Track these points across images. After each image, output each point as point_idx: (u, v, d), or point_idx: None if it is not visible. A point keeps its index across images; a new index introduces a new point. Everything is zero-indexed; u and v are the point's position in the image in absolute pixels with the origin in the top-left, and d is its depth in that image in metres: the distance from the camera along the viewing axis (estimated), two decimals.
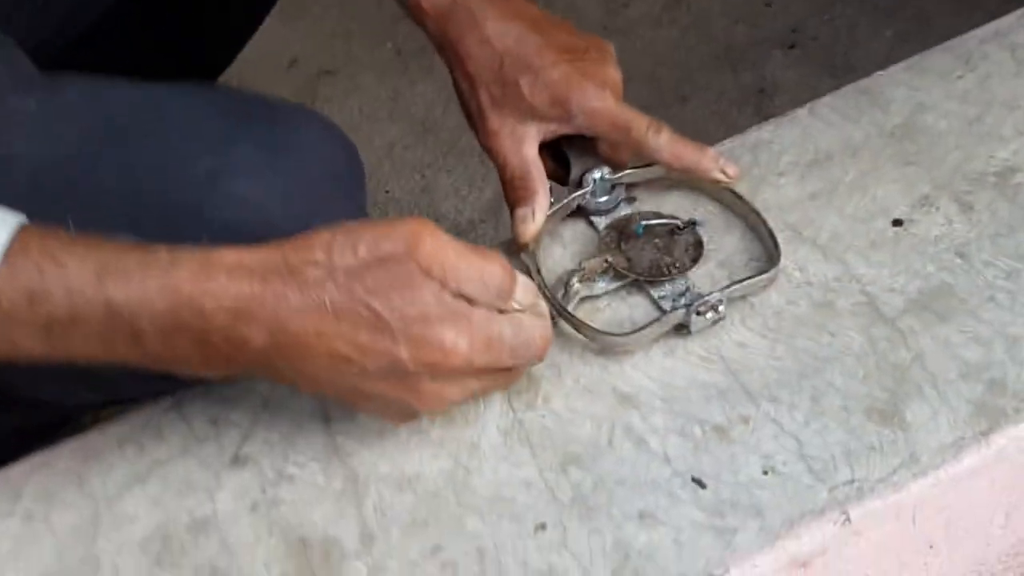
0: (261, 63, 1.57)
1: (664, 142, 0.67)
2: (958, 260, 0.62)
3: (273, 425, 0.62)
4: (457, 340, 0.51)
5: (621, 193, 0.70)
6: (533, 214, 0.67)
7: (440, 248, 0.52)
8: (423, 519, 0.56)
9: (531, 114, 0.68)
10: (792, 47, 1.43)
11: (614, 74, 0.69)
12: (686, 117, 1.35)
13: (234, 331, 0.51)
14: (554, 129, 0.69)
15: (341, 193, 0.62)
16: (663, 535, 0.53)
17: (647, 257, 0.65)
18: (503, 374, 0.55)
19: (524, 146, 0.68)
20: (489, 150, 0.70)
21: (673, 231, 0.67)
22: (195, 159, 0.57)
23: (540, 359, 0.56)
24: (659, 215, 0.68)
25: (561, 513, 0.55)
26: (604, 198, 0.69)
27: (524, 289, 0.55)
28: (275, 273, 0.51)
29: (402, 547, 0.55)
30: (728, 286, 0.62)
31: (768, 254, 0.64)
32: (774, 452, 0.55)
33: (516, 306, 0.54)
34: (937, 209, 0.65)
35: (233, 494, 0.59)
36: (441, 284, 0.51)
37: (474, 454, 0.59)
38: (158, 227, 0.53)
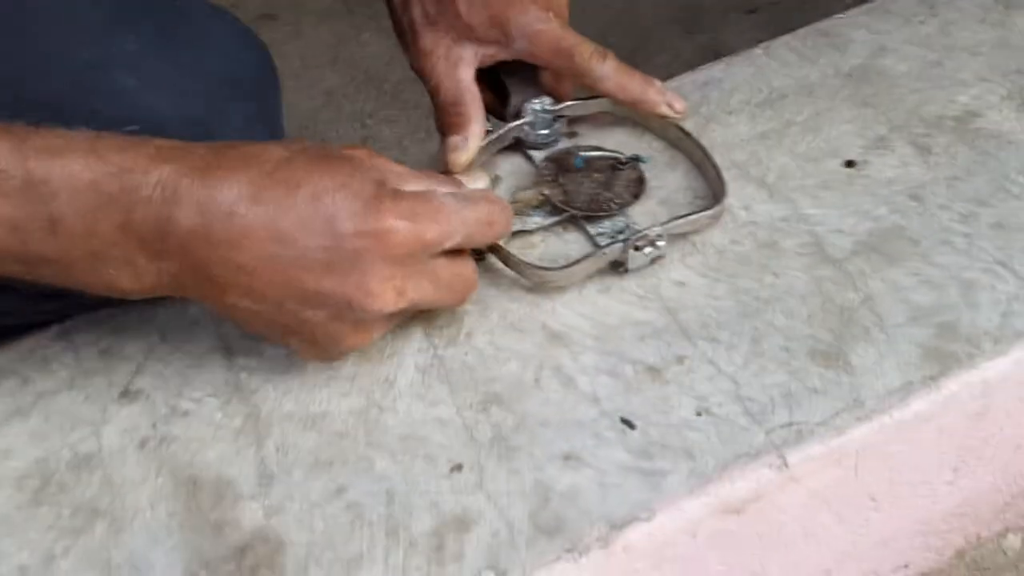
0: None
1: (609, 70, 0.63)
2: (912, 203, 0.58)
3: (170, 358, 0.57)
4: (398, 222, 0.48)
5: (562, 126, 0.65)
6: (466, 141, 0.62)
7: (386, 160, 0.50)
8: (328, 459, 0.51)
9: (468, 34, 0.63)
10: (752, 12, 1.40)
11: None
12: None
13: (162, 208, 0.46)
14: (492, 53, 0.64)
15: (247, 99, 0.56)
16: (587, 477, 0.48)
17: (585, 191, 0.61)
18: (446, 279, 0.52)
19: (459, 69, 0.63)
20: (421, 72, 0.65)
21: (614, 166, 0.62)
22: (75, 49, 0.51)
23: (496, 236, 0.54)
24: (601, 149, 0.64)
25: (479, 454, 0.50)
26: (544, 131, 0.65)
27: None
28: (213, 153, 0.47)
29: (303, 488, 0.50)
30: (669, 221, 0.58)
31: (713, 192, 0.60)
32: (709, 393, 0.51)
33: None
34: (892, 151, 0.62)
35: (120, 429, 0.54)
36: (384, 179, 0.49)
37: (388, 392, 0.54)
38: (39, 120, 0.47)
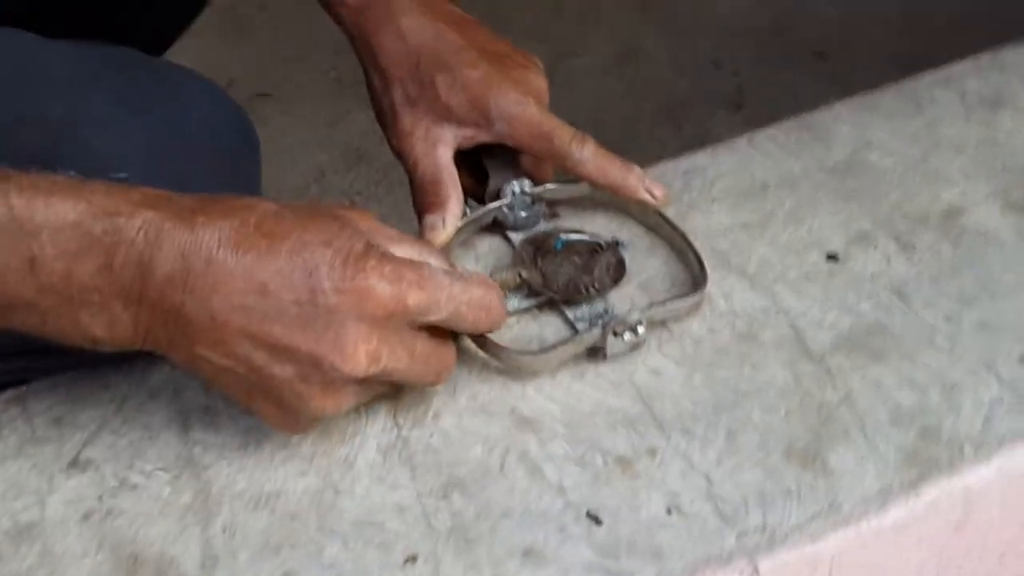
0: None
1: (589, 155, 0.62)
2: (896, 299, 0.57)
3: (123, 429, 0.55)
4: (380, 282, 0.47)
5: (542, 209, 0.64)
6: (443, 222, 0.61)
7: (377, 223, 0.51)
8: (277, 543, 0.49)
9: (447, 116, 0.62)
10: (739, 107, 1.41)
11: (539, 81, 0.64)
12: None
13: (144, 251, 0.46)
14: (471, 135, 0.63)
15: (222, 163, 0.56)
16: (548, 575, 0.46)
17: (564, 274, 0.60)
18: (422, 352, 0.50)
19: (438, 149, 0.63)
20: (400, 152, 0.64)
21: (594, 249, 0.61)
22: (48, 105, 0.50)
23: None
24: (581, 232, 0.62)
25: (436, 544, 0.48)
26: (523, 213, 0.64)
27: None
28: (199, 202, 0.47)
29: (248, 573, 0.48)
30: (649, 306, 0.56)
31: (693, 279, 0.59)
32: (681, 490, 0.49)
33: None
34: (875, 247, 0.61)
35: (65, 500, 0.52)
36: (373, 241, 0.49)
37: (347, 473, 0.52)
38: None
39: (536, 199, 0.64)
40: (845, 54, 1.51)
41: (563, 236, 0.62)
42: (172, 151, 0.53)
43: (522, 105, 0.62)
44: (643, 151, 1.36)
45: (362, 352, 0.47)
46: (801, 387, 0.53)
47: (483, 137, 0.63)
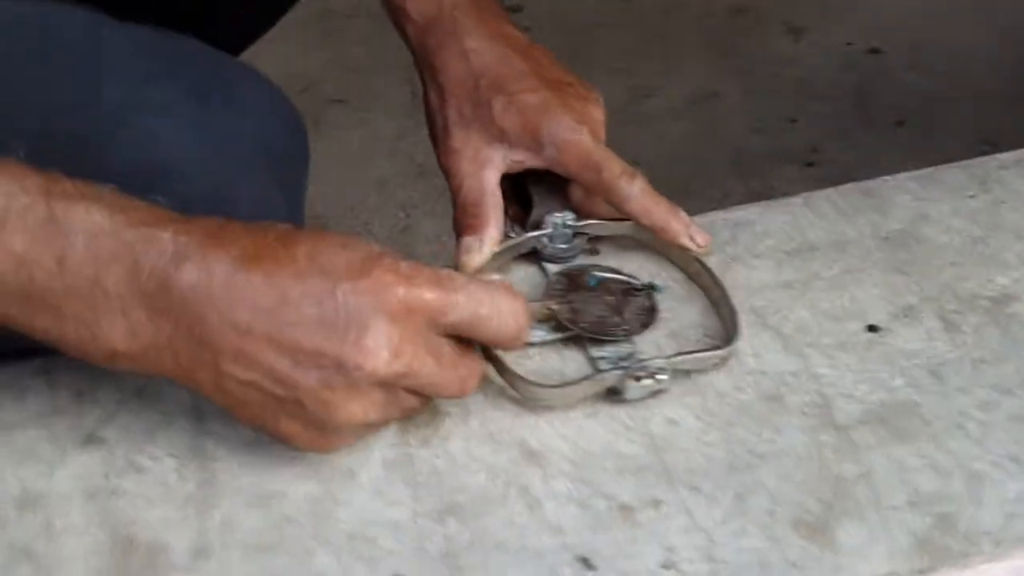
0: (277, 82, 1.56)
1: (636, 192, 0.61)
2: (931, 379, 0.55)
3: (141, 412, 0.56)
4: (397, 277, 0.48)
5: (582, 244, 0.64)
6: (481, 243, 0.61)
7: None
8: (269, 544, 0.49)
9: (499, 138, 0.62)
10: (810, 165, 1.39)
11: (596, 113, 0.64)
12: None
13: (171, 261, 0.46)
14: (521, 160, 0.63)
15: (270, 163, 0.56)
16: None
17: (594, 312, 0.59)
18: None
19: (485, 170, 0.63)
20: (447, 170, 0.64)
21: (628, 291, 0.60)
22: (107, 89, 0.51)
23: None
24: (618, 272, 0.62)
25: (423, 566, 0.47)
26: (562, 245, 0.63)
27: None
28: (220, 222, 0.48)
29: (237, 570, 0.48)
30: (674, 355, 0.55)
31: (725, 333, 0.58)
32: (680, 546, 0.47)
33: None
34: (920, 322, 0.59)
35: (74, 475, 0.52)
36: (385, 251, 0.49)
37: (348, 484, 0.51)
38: (59, 158, 0.47)
39: (578, 233, 0.64)
40: (925, 125, 1.48)
41: (599, 273, 0.61)
42: (220, 147, 0.54)
43: (575, 132, 0.62)
44: (706, 199, 1.35)
45: (384, 348, 0.47)
46: (820, 457, 0.51)
47: (533, 162, 0.63)
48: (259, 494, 0.51)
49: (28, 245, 0.46)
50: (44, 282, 0.47)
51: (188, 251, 0.47)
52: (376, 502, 0.50)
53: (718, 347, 0.57)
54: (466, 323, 0.50)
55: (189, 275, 0.47)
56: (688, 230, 0.61)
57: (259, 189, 0.54)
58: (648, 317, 0.59)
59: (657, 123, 1.47)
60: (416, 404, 0.51)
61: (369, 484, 0.51)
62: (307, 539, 0.49)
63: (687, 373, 0.56)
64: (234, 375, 0.48)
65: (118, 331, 0.48)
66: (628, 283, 0.61)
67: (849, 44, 1.66)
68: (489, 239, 0.61)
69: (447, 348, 0.50)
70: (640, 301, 0.60)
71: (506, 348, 0.53)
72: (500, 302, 0.50)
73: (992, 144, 1.42)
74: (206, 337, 0.47)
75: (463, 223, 0.62)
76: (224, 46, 0.68)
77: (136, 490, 0.52)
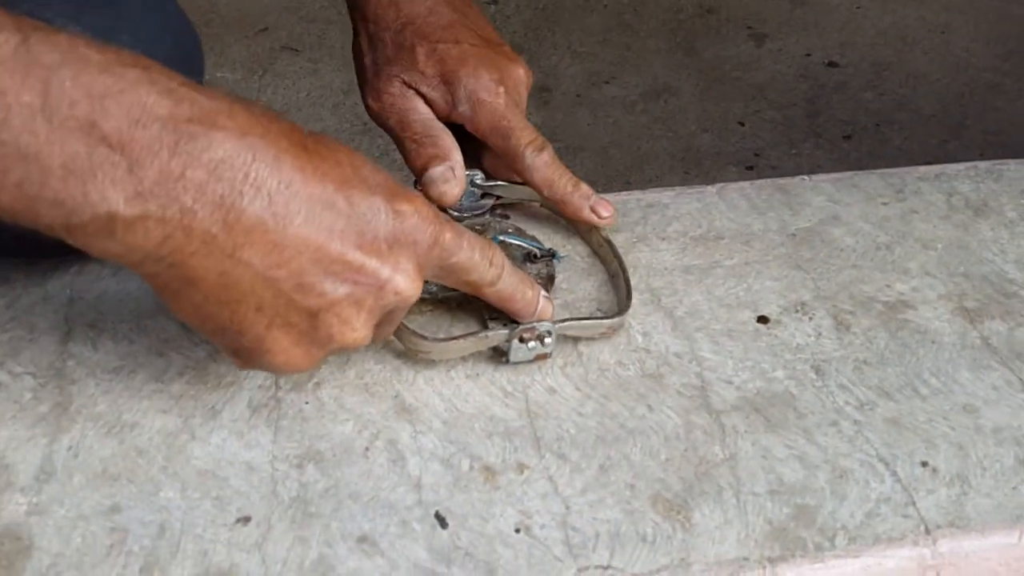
0: (233, 22, 1.53)
1: (540, 163, 0.60)
2: (812, 374, 0.55)
3: (8, 326, 0.54)
4: (427, 211, 0.46)
5: (490, 203, 0.63)
6: (453, 171, 0.59)
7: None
8: (115, 473, 0.47)
9: (419, 83, 0.61)
10: (750, 168, 1.39)
11: (518, 74, 0.62)
12: None
13: (196, 119, 0.39)
14: (437, 111, 0.62)
15: None
16: (374, 567, 0.44)
17: None
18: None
19: (419, 106, 0.61)
20: (379, 112, 0.62)
21: (529, 256, 0.59)
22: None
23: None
24: (522, 235, 0.61)
25: (273, 511, 0.46)
26: (468, 202, 0.62)
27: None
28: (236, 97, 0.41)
29: (77, 496, 0.46)
30: (562, 320, 0.54)
31: (619, 307, 0.57)
32: (536, 511, 0.47)
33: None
34: (810, 319, 0.59)
35: None
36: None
37: (208, 421, 0.50)
38: None
39: (486, 193, 0.63)
40: (871, 141, 1.49)
41: (501, 237, 0.60)
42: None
43: (490, 93, 0.61)
44: (642, 187, 1.35)
45: (417, 277, 0.45)
46: (689, 438, 0.51)
47: (446, 115, 0.62)
48: (113, 423, 0.49)
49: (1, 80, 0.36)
50: (22, 122, 0.37)
51: (217, 117, 0.39)
52: (234, 442, 0.49)
53: (605, 317, 0.56)
54: (462, 266, 0.48)
55: (224, 143, 0.39)
56: (589, 202, 0.60)
57: None
58: (545, 284, 0.58)
59: (610, 109, 1.47)
60: (390, 334, 0.50)
61: (230, 423, 0.50)
62: (155, 471, 0.47)
63: (574, 342, 0.55)
64: (252, 266, 0.41)
65: (120, 190, 0.38)
66: (528, 248, 0.60)
67: (808, 55, 1.67)
68: (459, 165, 0.59)
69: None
70: (539, 268, 0.59)
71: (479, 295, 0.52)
72: (490, 254, 0.50)
73: (937, 161, 1.42)
74: (237, 219, 0.40)
75: (424, 154, 0.59)
76: None
77: None
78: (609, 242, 0.61)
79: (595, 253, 0.62)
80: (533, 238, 0.61)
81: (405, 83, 0.61)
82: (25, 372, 0.52)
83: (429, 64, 0.61)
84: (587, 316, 0.56)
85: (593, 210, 0.60)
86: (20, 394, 0.50)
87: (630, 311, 0.56)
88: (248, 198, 0.40)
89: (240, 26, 1.53)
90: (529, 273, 0.58)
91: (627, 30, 1.69)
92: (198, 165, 0.39)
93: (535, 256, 0.59)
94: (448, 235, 0.47)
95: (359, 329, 0.45)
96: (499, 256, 0.50)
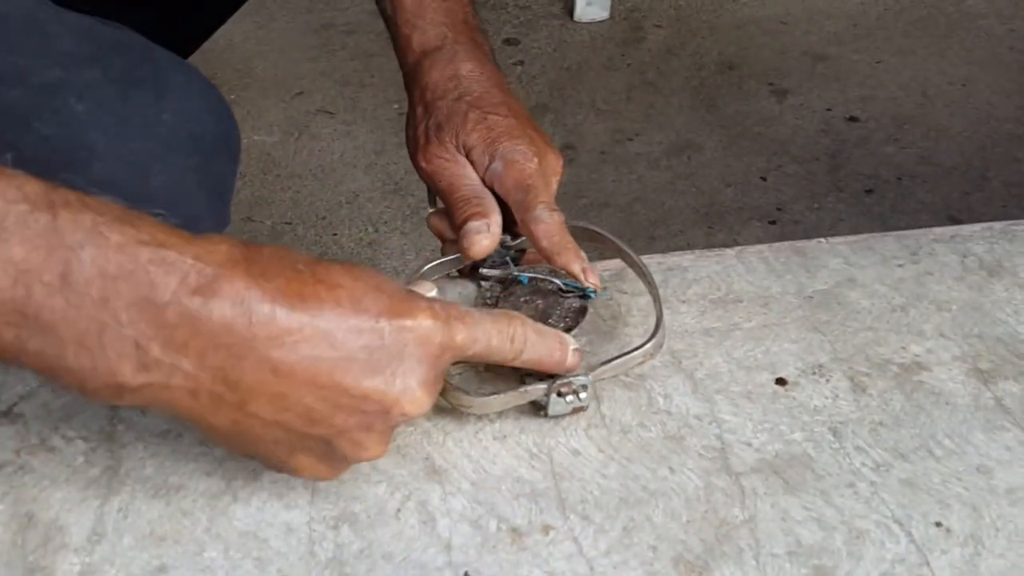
0: (270, 87, 1.58)
1: (547, 218, 0.61)
2: (830, 436, 0.57)
3: (62, 392, 0.57)
4: (433, 323, 0.47)
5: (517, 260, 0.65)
6: (489, 227, 0.62)
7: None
8: (163, 534, 0.50)
9: (466, 150, 0.65)
10: (772, 223, 1.41)
11: (554, 162, 0.66)
12: None
13: (196, 292, 0.42)
14: (476, 172, 0.65)
15: (192, 153, 0.57)
16: None
17: (524, 313, 0.60)
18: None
19: (469, 172, 0.65)
20: (431, 173, 0.66)
21: (558, 293, 0.62)
22: (39, 68, 0.52)
23: None
24: (550, 275, 0.63)
25: (310, 571, 0.48)
26: (496, 260, 0.65)
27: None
28: (243, 247, 0.44)
29: (127, 556, 0.49)
30: (599, 365, 0.56)
31: (652, 332, 0.58)
32: (562, 572, 0.49)
33: None
34: (827, 381, 0.60)
35: None
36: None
37: (249, 483, 0.53)
38: None
39: (516, 252, 0.65)
40: (893, 196, 1.51)
41: (530, 274, 0.62)
42: (140, 133, 0.55)
43: (525, 157, 0.64)
44: (668, 245, 1.37)
45: (426, 396, 0.47)
46: (710, 499, 0.52)
47: (481, 176, 0.65)
48: (161, 485, 0.52)
49: (28, 255, 0.40)
50: (43, 298, 0.41)
51: (219, 283, 0.42)
52: (274, 504, 0.52)
53: (636, 348, 0.57)
54: (481, 355, 0.51)
55: (222, 311, 0.42)
56: (582, 263, 0.61)
57: (175, 176, 0.54)
58: (576, 319, 0.60)
59: (634, 166, 1.50)
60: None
61: (269, 485, 0.52)
62: (200, 532, 0.50)
63: (597, 403, 0.57)
64: (261, 416, 0.45)
65: (127, 363, 0.42)
66: (557, 285, 0.62)
67: (829, 110, 1.70)
68: (495, 223, 0.62)
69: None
70: (570, 302, 0.61)
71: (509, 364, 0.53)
72: (510, 332, 0.52)
73: (956, 220, 1.44)
74: (239, 379, 0.44)
75: (467, 212, 0.63)
76: (174, 46, 0.69)
77: (43, 469, 0.53)
78: (640, 263, 0.63)
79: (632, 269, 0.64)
80: (560, 277, 0.62)
81: (455, 146, 0.65)
82: (78, 436, 0.55)
83: (477, 129, 0.65)
84: (619, 355, 0.58)
85: (584, 271, 0.61)
86: (73, 458, 0.53)
87: (662, 332, 0.57)
88: (249, 361, 0.44)
89: (276, 90, 1.58)
90: (561, 305, 0.60)
91: (650, 88, 1.72)
92: (199, 335, 0.43)
93: (565, 291, 0.61)
94: (460, 335, 0.48)
95: (371, 448, 0.48)
96: (520, 329, 0.52)
